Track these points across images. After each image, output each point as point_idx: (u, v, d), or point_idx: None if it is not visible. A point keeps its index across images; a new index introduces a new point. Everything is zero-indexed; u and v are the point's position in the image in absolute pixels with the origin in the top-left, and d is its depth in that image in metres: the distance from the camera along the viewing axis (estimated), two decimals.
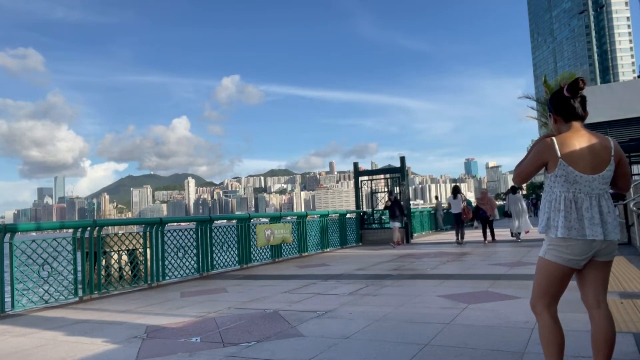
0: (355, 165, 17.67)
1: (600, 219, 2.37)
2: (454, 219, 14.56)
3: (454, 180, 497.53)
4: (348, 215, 15.91)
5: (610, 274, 2.53)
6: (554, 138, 2.45)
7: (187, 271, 9.00)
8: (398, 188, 16.39)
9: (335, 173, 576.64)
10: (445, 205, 23.12)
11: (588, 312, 2.53)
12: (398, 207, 14.72)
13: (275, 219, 12.20)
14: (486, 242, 14.02)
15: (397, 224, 14.64)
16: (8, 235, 6.37)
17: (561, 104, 2.51)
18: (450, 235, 18.91)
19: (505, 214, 16.38)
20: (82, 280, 7.12)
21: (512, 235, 14.39)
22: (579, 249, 2.38)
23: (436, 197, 26.79)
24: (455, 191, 14.66)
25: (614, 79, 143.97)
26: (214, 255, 9.64)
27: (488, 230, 14.35)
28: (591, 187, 2.39)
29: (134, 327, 5.01)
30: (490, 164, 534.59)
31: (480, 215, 14.51)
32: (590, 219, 2.36)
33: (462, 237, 14.02)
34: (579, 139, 2.43)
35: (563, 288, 2.51)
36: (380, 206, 17.22)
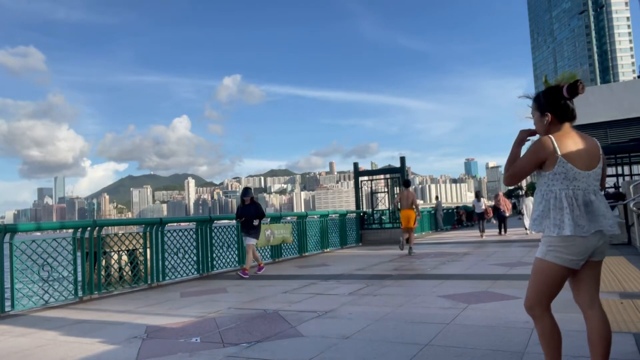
0: (355, 165, 17.67)
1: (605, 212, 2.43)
2: (477, 217, 18.28)
3: (454, 181, 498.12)
4: (348, 216, 15.90)
5: (610, 274, 2.55)
6: (551, 136, 2.48)
7: (187, 271, 9.00)
8: (398, 188, 16.39)
9: (335, 173, 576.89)
10: (443, 205, 24.74)
11: (583, 313, 2.54)
12: (253, 214, 9.23)
13: (275, 219, 12.20)
14: (501, 234, 17.47)
15: (253, 241, 9.23)
16: (8, 236, 6.37)
17: (559, 104, 2.53)
18: (450, 235, 19.01)
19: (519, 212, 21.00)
20: (82, 281, 7.12)
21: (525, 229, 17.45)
22: (579, 248, 2.39)
23: (436, 197, 26.78)
24: (478, 195, 18.52)
25: (614, 79, 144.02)
26: (214, 255, 9.64)
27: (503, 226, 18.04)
28: (587, 183, 2.44)
29: (134, 327, 5.01)
30: (490, 164, 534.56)
31: (499, 213, 18.06)
32: (602, 213, 2.41)
33: (483, 231, 17.29)
34: (573, 138, 2.50)
35: (559, 289, 2.54)
36: (381, 206, 17.21)
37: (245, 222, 9.27)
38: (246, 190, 9.90)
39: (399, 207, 12.52)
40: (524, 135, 2.64)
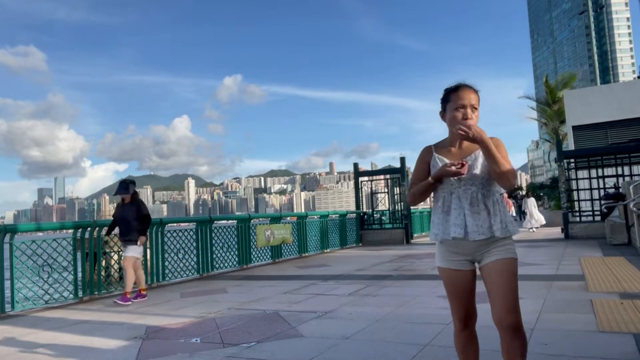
0: (355, 165, 17.67)
1: None
2: None
3: None
4: (348, 216, 15.90)
5: (610, 274, 2.54)
6: None
7: (187, 271, 9.00)
8: (398, 188, 16.39)
9: (335, 173, 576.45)
10: None
11: (473, 321, 2.44)
12: (131, 216, 6.83)
13: (275, 219, 12.20)
14: None
15: (134, 253, 6.82)
16: (8, 236, 6.37)
17: None
18: None
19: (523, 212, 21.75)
20: (82, 281, 7.12)
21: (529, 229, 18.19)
22: None
23: None
24: None
25: (614, 79, 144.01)
26: (214, 255, 9.64)
27: None
28: None
29: (134, 327, 5.01)
30: None
31: None
32: None
33: None
34: None
35: None
36: (381, 206, 17.20)
37: (122, 227, 6.88)
38: (124, 185, 7.00)
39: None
40: None
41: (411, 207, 17.75)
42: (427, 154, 2.39)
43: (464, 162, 2.21)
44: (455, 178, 2.25)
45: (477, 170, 2.25)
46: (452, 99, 2.28)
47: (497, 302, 2.21)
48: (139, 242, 6.86)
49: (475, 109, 2.27)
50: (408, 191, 2.45)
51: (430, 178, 2.29)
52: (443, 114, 2.35)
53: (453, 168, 2.19)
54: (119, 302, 6.48)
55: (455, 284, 2.33)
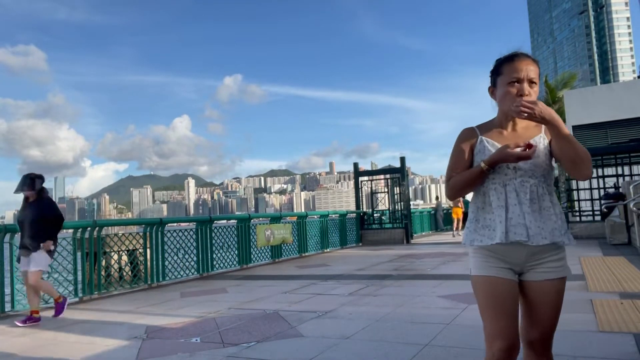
0: (355, 165, 17.67)
1: None
2: None
3: None
4: (348, 216, 15.90)
5: (610, 274, 2.52)
6: None
7: (187, 271, 9.00)
8: (398, 188, 16.39)
9: (335, 173, 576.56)
10: (443, 205, 24.89)
11: (517, 353, 1.85)
12: (35, 217, 5.68)
13: (275, 219, 12.20)
14: None
15: (40, 267, 5.60)
16: (8, 236, 6.37)
17: None
18: (450, 235, 18.96)
19: None
20: (82, 281, 7.12)
21: None
22: None
23: (437, 198, 26.78)
24: None
25: (614, 79, 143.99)
26: (214, 255, 9.64)
27: None
28: None
29: (134, 327, 5.01)
30: None
31: None
32: None
33: None
34: None
35: None
36: (381, 206, 17.20)
37: (23, 231, 5.72)
38: (27, 181, 5.80)
39: (452, 205, 18.99)
40: None
41: (411, 207, 17.77)
42: (470, 136, 1.96)
43: (532, 144, 1.80)
44: (511, 167, 1.83)
45: (540, 160, 1.84)
46: (505, 72, 1.88)
47: (537, 319, 1.88)
48: (42, 246, 5.55)
49: (534, 83, 1.86)
50: (446, 183, 1.96)
51: (482, 163, 1.83)
52: (493, 89, 1.97)
53: (518, 150, 1.77)
54: (19, 324, 5.34)
55: (504, 297, 1.82)
